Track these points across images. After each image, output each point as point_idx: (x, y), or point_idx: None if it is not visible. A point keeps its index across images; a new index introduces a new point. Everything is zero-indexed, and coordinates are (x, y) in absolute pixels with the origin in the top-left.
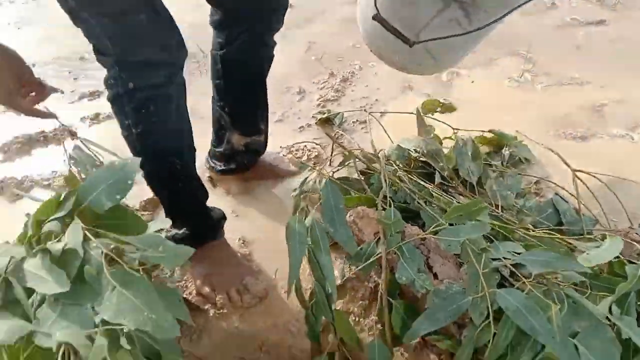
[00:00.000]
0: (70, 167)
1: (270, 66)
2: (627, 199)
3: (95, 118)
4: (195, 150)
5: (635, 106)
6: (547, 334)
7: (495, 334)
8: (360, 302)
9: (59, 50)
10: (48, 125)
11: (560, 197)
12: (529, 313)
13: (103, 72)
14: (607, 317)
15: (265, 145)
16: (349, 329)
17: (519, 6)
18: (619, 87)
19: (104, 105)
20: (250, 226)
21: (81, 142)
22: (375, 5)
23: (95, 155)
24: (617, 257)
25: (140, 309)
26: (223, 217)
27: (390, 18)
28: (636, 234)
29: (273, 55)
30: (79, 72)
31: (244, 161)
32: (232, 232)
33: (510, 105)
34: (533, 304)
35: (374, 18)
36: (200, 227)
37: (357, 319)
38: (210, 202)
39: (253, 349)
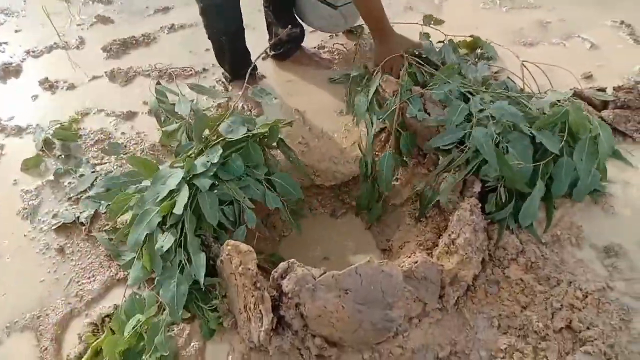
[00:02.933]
0: None
1: None
2: (555, 82)
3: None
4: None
5: (570, 24)
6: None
7: None
8: (379, 143)
9: None
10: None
11: (511, 79)
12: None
13: None
14: (532, 134)
15: (302, 37)
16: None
17: None
18: (561, 10)
19: None
20: (303, 99)
21: None
22: None
23: None
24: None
25: None
26: (254, 69)
27: None
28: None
29: None
30: None
31: (288, 47)
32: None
33: (483, 21)
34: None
35: None
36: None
37: (377, 154)
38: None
39: (309, 174)
